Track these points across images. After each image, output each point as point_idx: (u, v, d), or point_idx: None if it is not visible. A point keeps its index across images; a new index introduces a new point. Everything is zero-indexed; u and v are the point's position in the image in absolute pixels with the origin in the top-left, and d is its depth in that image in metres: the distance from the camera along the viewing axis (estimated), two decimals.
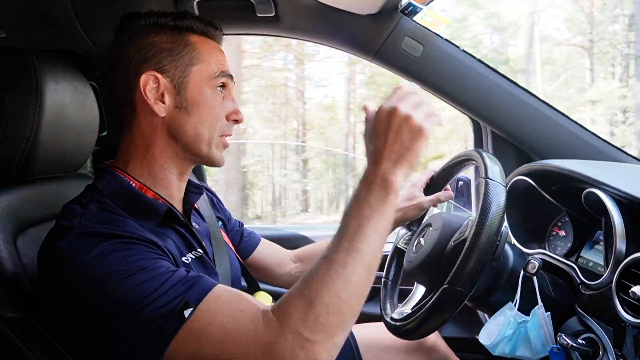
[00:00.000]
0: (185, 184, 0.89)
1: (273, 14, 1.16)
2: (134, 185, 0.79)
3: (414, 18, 1.20)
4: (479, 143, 1.39)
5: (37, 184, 0.93)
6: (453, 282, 0.77)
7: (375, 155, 0.68)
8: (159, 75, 0.78)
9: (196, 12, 1.13)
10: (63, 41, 1.20)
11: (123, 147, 0.83)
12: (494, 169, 0.84)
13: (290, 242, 1.49)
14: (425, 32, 1.21)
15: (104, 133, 1.34)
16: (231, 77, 0.85)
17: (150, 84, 0.78)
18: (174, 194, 0.85)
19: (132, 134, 0.81)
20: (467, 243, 0.78)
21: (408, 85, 0.71)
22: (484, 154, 0.88)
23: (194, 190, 0.92)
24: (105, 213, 0.72)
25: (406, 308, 1.06)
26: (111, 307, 0.61)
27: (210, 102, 0.81)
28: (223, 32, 0.88)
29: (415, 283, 1.11)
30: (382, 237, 0.66)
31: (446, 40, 1.23)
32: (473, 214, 1.42)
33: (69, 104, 0.92)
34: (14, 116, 0.82)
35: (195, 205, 0.94)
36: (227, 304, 0.63)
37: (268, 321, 0.61)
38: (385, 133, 0.67)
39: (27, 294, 0.78)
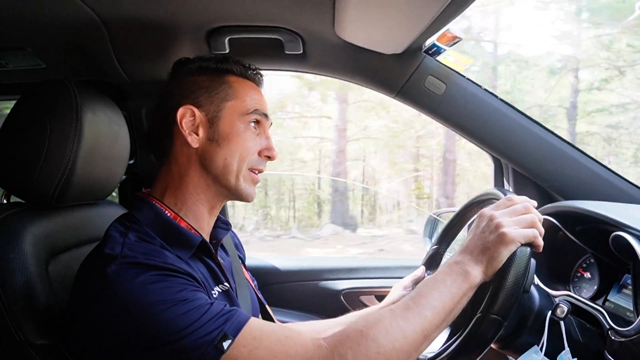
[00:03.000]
0: (215, 218, 0.92)
1: (301, 52, 1.19)
2: (169, 215, 0.82)
3: (437, 58, 1.23)
4: (499, 181, 1.40)
5: (69, 211, 0.95)
6: (488, 310, 0.73)
7: (463, 246, 0.77)
8: (195, 109, 0.84)
9: (227, 48, 1.17)
10: (98, 71, 1.25)
11: (160, 176, 0.87)
12: None
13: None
14: (448, 71, 1.24)
15: (132, 161, 1.37)
16: (266, 115, 0.89)
17: (187, 116, 0.84)
18: (204, 227, 0.87)
19: (169, 163, 0.86)
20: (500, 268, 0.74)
21: (518, 198, 0.79)
22: (507, 192, 0.89)
23: (222, 225, 0.95)
24: (144, 243, 0.74)
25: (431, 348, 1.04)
26: (152, 335, 0.63)
27: (241, 136, 0.85)
28: (261, 75, 0.93)
29: None
30: (446, 314, 0.71)
31: (468, 79, 1.26)
32: None
33: (104, 134, 0.96)
34: (54, 145, 0.85)
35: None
36: (270, 332, 0.68)
37: (318, 345, 0.66)
38: (475, 231, 0.77)
39: (57, 321, 0.79)
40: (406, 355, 0.67)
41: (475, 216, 0.82)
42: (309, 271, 1.54)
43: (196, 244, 0.81)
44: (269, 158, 0.89)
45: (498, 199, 0.89)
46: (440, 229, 1.54)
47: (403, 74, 1.22)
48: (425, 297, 0.71)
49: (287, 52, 1.19)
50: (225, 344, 0.63)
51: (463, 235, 1.16)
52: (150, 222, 0.79)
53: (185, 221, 0.83)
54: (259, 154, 0.88)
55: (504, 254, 0.72)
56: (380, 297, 1.50)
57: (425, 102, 1.25)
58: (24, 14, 1.01)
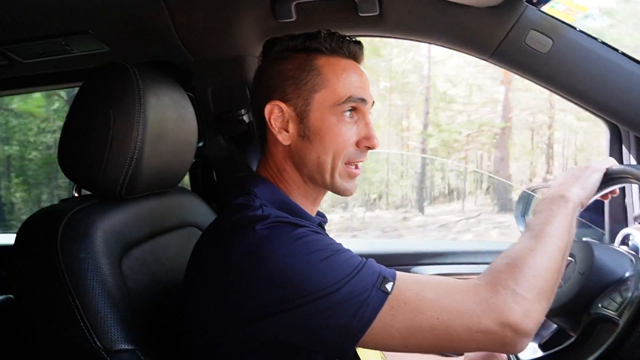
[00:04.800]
0: (317, 208, 0.86)
1: (377, 13, 1.04)
2: (286, 194, 0.78)
3: (542, 8, 1.02)
4: (616, 151, 1.18)
5: (139, 202, 0.90)
6: None
7: (556, 185, 0.79)
8: (282, 105, 0.77)
9: (294, 14, 1.05)
10: (160, 52, 1.19)
11: (261, 165, 0.83)
12: None
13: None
14: (555, 24, 1.03)
15: (200, 144, 1.32)
16: (363, 100, 0.77)
17: (275, 113, 0.77)
18: None
19: (267, 156, 0.82)
20: (619, 330, 0.66)
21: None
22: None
23: (320, 218, 0.88)
24: (276, 210, 0.71)
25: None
26: (317, 285, 0.61)
27: (333, 130, 0.76)
28: (361, 47, 0.81)
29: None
30: (568, 235, 0.71)
31: (581, 31, 1.04)
32: (606, 234, 1.22)
33: (170, 118, 0.89)
34: (119, 135, 0.79)
35: None
36: (424, 277, 0.69)
37: (475, 284, 0.64)
38: (566, 174, 0.81)
39: (134, 323, 0.74)
40: (556, 275, 0.67)
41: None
42: (390, 256, 1.42)
43: (315, 225, 0.75)
44: (369, 148, 0.79)
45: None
46: (535, 205, 1.36)
47: (499, 30, 1.03)
48: (543, 224, 0.71)
49: (361, 15, 1.05)
50: (388, 286, 0.63)
51: None
52: (269, 198, 0.74)
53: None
54: (357, 144, 0.77)
55: (594, 177, 0.78)
56: None
57: (526, 62, 1.06)
58: None
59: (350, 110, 0.76)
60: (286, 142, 0.77)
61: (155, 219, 0.94)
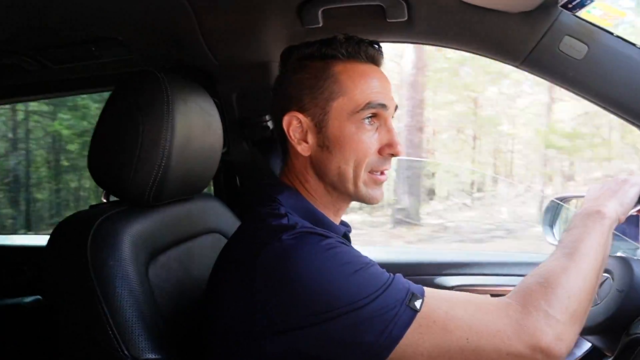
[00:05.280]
0: (340, 219, 0.84)
1: (405, 18, 1.02)
2: (311, 202, 0.77)
3: (578, 13, 0.98)
4: None
5: (165, 208, 0.91)
6: None
7: (586, 200, 0.79)
8: (300, 116, 0.75)
9: (320, 21, 1.04)
10: (186, 57, 1.20)
11: (283, 175, 0.81)
12: None
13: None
14: (591, 29, 0.99)
15: (224, 149, 1.32)
16: (384, 105, 0.74)
17: (293, 124, 0.76)
18: None
19: (288, 166, 0.80)
20: None
21: None
22: None
23: (345, 229, 0.85)
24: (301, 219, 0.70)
25: None
26: (344, 300, 0.60)
27: (353, 139, 0.73)
28: (380, 50, 0.78)
29: None
30: (601, 248, 0.69)
31: (618, 37, 1.00)
32: None
33: (196, 124, 0.89)
34: (147, 141, 0.80)
35: None
36: (454, 294, 0.67)
37: (506, 303, 0.62)
38: (601, 187, 0.80)
39: (160, 332, 0.74)
40: (590, 297, 0.65)
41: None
42: (413, 265, 1.39)
43: (340, 235, 0.74)
44: (393, 155, 0.76)
45: None
46: (565, 216, 1.31)
47: (532, 36, 1.00)
48: (577, 241, 0.69)
49: (389, 20, 1.03)
50: (417, 304, 0.61)
51: None
52: (293, 206, 0.73)
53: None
54: (380, 152, 0.75)
55: (632, 192, 0.77)
56: (496, 297, 1.31)
57: (560, 69, 1.02)
58: (115, 3, 0.97)
59: (370, 117, 0.74)
60: (306, 153, 0.75)
61: (180, 226, 0.94)
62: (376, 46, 0.77)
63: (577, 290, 0.63)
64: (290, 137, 0.75)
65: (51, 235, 0.77)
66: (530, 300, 0.61)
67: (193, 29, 1.07)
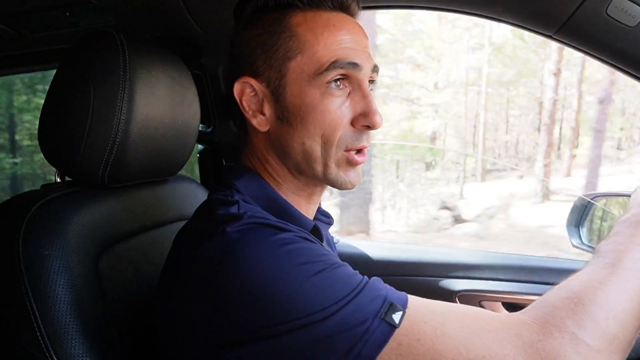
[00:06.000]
0: (316, 207, 0.70)
1: None
2: (275, 189, 0.63)
3: None
4: None
5: (127, 192, 0.79)
6: None
7: (630, 205, 0.64)
8: (253, 82, 0.61)
9: None
10: (170, 27, 1.07)
11: (245, 157, 0.68)
12: None
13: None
14: None
15: (210, 129, 1.19)
16: (355, 64, 0.59)
17: (246, 92, 0.62)
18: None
19: (248, 146, 0.67)
20: None
21: None
22: None
23: (323, 218, 0.74)
24: (258, 208, 0.58)
25: None
26: (301, 307, 0.47)
27: (317, 108, 0.58)
28: None
29: None
30: None
31: None
32: None
33: (164, 97, 0.76)
34: (98, 113, 0.68)
35: None
36: (449, 307, 0.51)
37: (520, 320, 0.48)
38: None
39: (103, 334, 0.63)
40: (635, 322, 0.49)
41: None
42: (414, 264, 1.22)
43: (309, 228, 0.61)
44: (369, 127, 0.61)
45: None
46: (595, 217, 1.13)
47: None
48: (621, 251, 0.54)
49: None
50: (396, 317, 0.48)
51: None
52: (254, 195, 0.61)
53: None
54: (353, 124, 0.60)
55: None
56: (508, 305, 1.15)
57: (606, 38, 0.84)
58: None
59: (338, 79, 0.58)
60: (264, 128, 0.62)
61: (146, 211, 0.82)
62: None
63: (619, 311, 0.48)
64: (244, 108, 0.63)
65: None
66: (554, 318, 0.47)
67: None
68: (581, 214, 1.12)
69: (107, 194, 0.75)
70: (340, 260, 0.54)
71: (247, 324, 0.48)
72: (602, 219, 1.11)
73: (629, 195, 0.80)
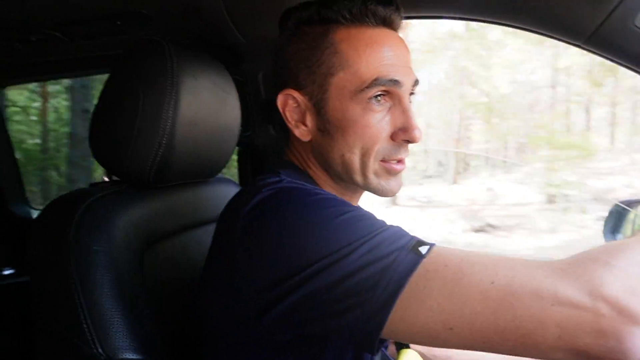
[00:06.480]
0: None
1: None
2: (318, 183, 0.67)
3: None
4: None
5: (171, 192, 0.84)
6: None
7: None
8: (296, 94, 0.64)
9: None
10: (209, 33, 1.13)
11: (287, 155, 0.72)
12: None
13: None
14: None
15: (249, 132, 1.25)
16: (396, 82, 0.61)
17: (289, 104, 0.66)
18: None
19: (290, 148, 0.71)
20: None
21: None
22: None
23: None
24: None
25: None
26: (332, 242, 0.49)
27: (358, 123, 0.61)
28: (395, 7, 0.64)
29: None
30: None
31: None
32: None
33: (208, 102, 0.81)
34: (147, 116, 0.73)
35: None
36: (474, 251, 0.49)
37: (549, 258, 0.46)
38: None
39: (146, 329, 0.66)
40: None
41: None
42: None
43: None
44: (409, 141, 0.64)
45: None
46: (632, 225, 1.13)
47: (601, 7, 0.84)
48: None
49: None
50: (423, 249, 0.48)
51: None
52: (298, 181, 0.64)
53: None
54: (393, 138, 0.63)
55: None
56: None
57: (634, 48, 0.86)
58: None
59: (379, 95, 0.61)
60: (305, 138, 0.66)
61: (188, 211, 0.87)
62: (390, 4, 0.63)
63: None
64: (287, 118, 0.67)
65: (41, 212, 0.72)
66: (585, 254, 0.45)
67: (217, 3, 1.00)
68: (617, 220, 1.11)
69: (152, 193, 0.80)
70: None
71: (281, 271, 0.50)
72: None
73: None
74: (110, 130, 0.76)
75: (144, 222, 0.75)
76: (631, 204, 1.10)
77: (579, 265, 0.44)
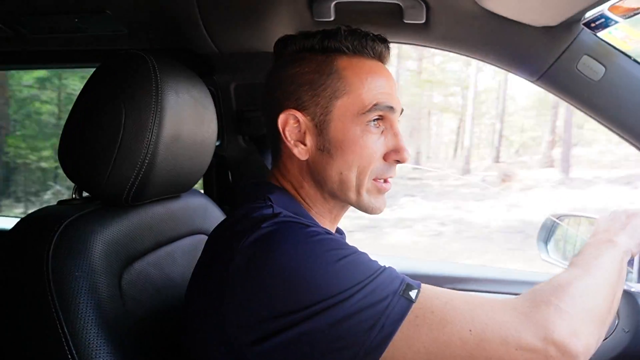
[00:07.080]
0: (336, 226, 0.78)
1: (423, 21, 0.97)
2: (305, 207, 0.70)
3: (599, 33, 0.95)
4: None
5: (146, 208, 0.81)
6: None
7: (594, 231, 0.77)
8: (298, 114, 0.68)
9: (332, 15, 0.97)
10: (183, 41, 1.10)
11: (273, 177, 0.73)
12: None
13: None
14: (610, 51, 0.96)
15: (217, 143, 1.23)
16: (391, 108, 0.68)
17: (290, 123, 0.69)
18: None
19: (281, 170, 0.72)
20: None
21: None
22: None
23: (337, 235, 0.79)
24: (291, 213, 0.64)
25: None
26: (331, 287, 0.53)
27: (358, 143, 0.67)
28: (388, 46, 0.72)
29: None
30: (615, 270, 0.66)
31: (635, 61, 0.97)
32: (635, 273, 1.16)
33: (188, 118, 0.79)
34: (130, 134, 0.70)
35: None
36: (453, 291, 0.59)
37: (514, 299, 0.58)
38: (606, 220, 0.79)
39: (130, 354, 0.64)
40: (607, 305, 0.61)
41: None
42: None
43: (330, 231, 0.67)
44: (399, 162, 0.70)
45: None
46: (560, 235, 1.29)
47: (552, 52, 0.96)
48: (591, 259, 0.66)
49: (406, 21, 0.97)
50: (412, 294, 0.55)
51: None
52: (287, 208, 0.65)
53: None
54: (385, 158, 0.69)
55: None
56: None
57: (575, 88, 0.99)
58: None
59: (376, 119, 0.68)
60: (303, 157, 0.69)
61: (161, 228, 0.84)
62: (383, 41, 0.71)
63: (592, 292, 0.60)
64: (286, 138, 0.68)
65: (11, 230, 0.66)
66: (540, 297, 0.57)
67: (192, 10, 0.98)
68: (549, 231, 1.27)
69: (126, 212, 0.76)
70: (359, 250, 0.61)
71: (282, 307, 0.53)
72: (567, 237, 1.27)
73: (593, 218, 0.94)
74: (86, 146, 0.71)
75: (121, 242, 0.72)
76: (561, 217, 1.27)
77: (537, 309, 0.55)
